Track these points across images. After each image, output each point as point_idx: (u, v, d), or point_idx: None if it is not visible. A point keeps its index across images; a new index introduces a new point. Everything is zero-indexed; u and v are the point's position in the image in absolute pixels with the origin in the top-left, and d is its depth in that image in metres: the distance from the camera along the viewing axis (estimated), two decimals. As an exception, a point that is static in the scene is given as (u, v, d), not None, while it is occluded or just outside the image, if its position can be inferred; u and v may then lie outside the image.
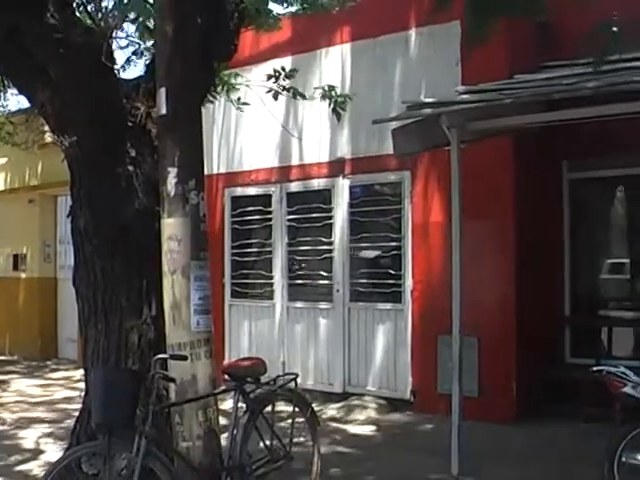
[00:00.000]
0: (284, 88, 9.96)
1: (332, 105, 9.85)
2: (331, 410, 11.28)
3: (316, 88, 9.91)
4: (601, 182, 11.83)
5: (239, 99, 10.70)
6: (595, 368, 7.39)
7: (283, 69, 9.91)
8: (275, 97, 9.99)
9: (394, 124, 8.75)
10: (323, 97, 9.87)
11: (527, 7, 7.06)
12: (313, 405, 7.82)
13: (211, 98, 9.18)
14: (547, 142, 10.34)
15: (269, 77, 9.92)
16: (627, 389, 6.90)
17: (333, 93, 9.82)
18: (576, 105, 7.44)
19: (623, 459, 6.91)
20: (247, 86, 10.55)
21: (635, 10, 9.03)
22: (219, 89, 10.04)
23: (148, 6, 6.57)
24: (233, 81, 10.56)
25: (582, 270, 11.90)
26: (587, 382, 9.55)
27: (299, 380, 7.38)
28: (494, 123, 8.08)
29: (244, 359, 7.44)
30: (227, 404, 7.03)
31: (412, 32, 11.43)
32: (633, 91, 6.87)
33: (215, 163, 13.76)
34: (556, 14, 9.23)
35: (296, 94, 10.04)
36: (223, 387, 7.00)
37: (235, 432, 6.66)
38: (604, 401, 7.59)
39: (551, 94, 7.60)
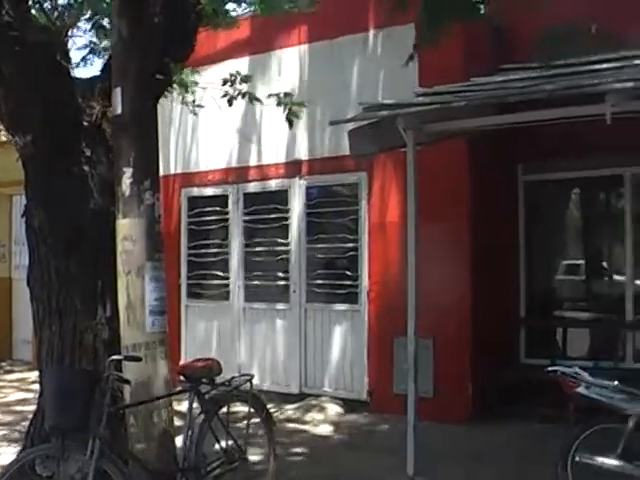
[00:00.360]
0: (240, 93, 9.94)
1: (286, 112, 9.84)
2: (288, 411, 11.28)
3: (271, 95, 9.89)
4: (556, 184, 11.95)
5: (194, 101, 10.66)
6: (549, 369, 7.45)
7: (238, 73, 9.89)
8: (230, 103, 9.97)
9: (351, 125, 8.76)
10: (278, 104, 9.85)
11: (472, 12, 7.16)
12: (269, 406, 7.82)
13: (167, 94, 9.14)
14: (503, 145, 10.40)
15: (225, 82, 9.90)
16: (581, 389, 6.97)
17: (288, 100, 9.80)
18: (531, 108, 7.48)
19: (577, 459, 6.98)
20: (203, 89, 10.51)
21: (586, 15, 9.20)
22: (175, 90, 9.99)
23: (104, 5, 6.55)
24: (190, 79, 10.51)
25: (537, 272, 11.99)
26: (542, 383, 9.60)
27: (255, 381, 7.38)
28: (449, 125, 8.11)
29: (199, 360, 7.39)
30: (183, 405, 6.98)
31: (370, 34, 11.46)
32: (587, 94, 6.92)
33: (172, 163, 13.72)
34: (511, 18, 9.35)
35: (252, 99, 10.04)
36: (178, 388, 6.98)
37: (190, 433, 6.63)
38: (559, 401, 7.66)
39: (506, 97, 7.63)
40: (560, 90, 7.20)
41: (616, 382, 6.96)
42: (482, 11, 7.86)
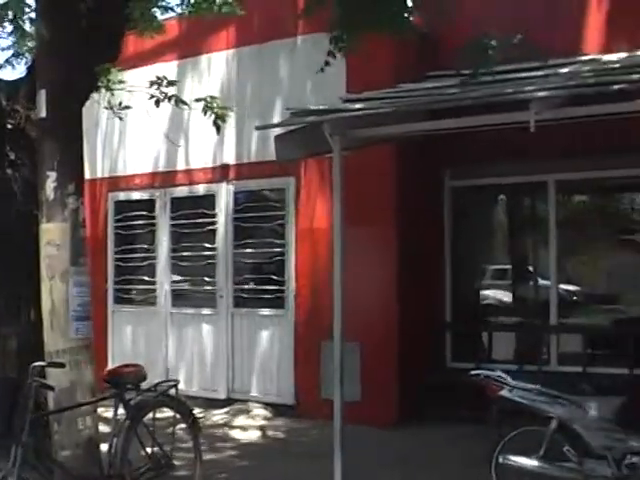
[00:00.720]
0: (166, 96, 9.88)
1: (213, 117, 9.78)
2: (215, 416, 11.26)
3: (197, 100, 9.84)
4: (482, 190, 12.09)
5: (120, 104, 10.56)
6: (473, 372, 7.56)
7: (165, 78, 9.84)
8: (157, 104, 9.90)
9: (279, 130, 8.76)
10: (204, 109, 9.80)
11: (392, 24, 7.22)
12: (197, 411, 7.79)
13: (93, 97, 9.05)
14: (430, 150, 10.51)
15: (152, 83, 9.84)
16: (504, 392, 7.08)
17: (215, 104, 9.75)
18: (457, 115, 7.56)
19: (500, 461, 7.09)
20: (129, 91, 10.41)
21: (510, 24, 9.34)
22: (101, 93, 9.90)
23: (26, 8, 6.47)
24: (116, 79, 10.40)
25: (463, 276, 12.11)
26: (468, 386, 9.71)
27: (183, 386, 7.36)
28: (376, 131, 8.14)
29: (124, 366, 7.34)
30: (110, 412, 6.91)
31: (298, 39, 11.47)
32: (512, 102, 7.02)
33: (99, 167, 13.60)
34: (439, 26, 9.45)
35: (178, 102, 9.98)
36: (102, 394, 6.92)
37: (115, 440, 6.58)
38: (484, 404, 7.74)
39: (432, 104, 7.72)
40: (485, 97, 7.31)
41: (538, 385, 7.09)
42: (407, 20, 7.88)
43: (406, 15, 7.82)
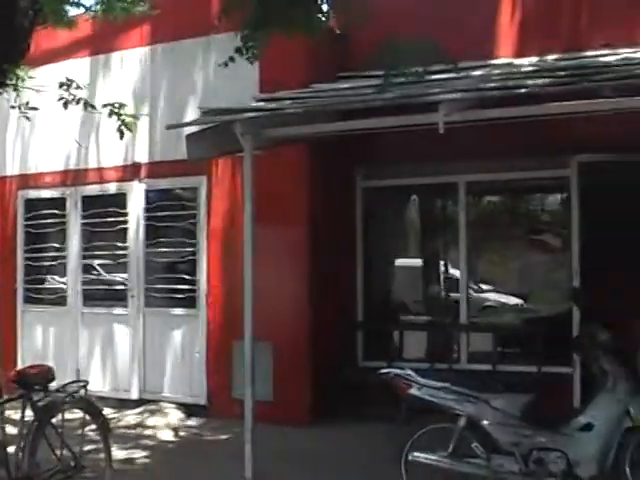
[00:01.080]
0: (74, 98, 9.76)
1: (119, 124, 9.69)
2: (127, 417, 11.14)
3: (105, 105, 9.74)
4: (394, 190, 12.20)
5: (27, 103, 10.39)
6: (383, 370, 7.66)
7: (72, 81, 9.72)
8: (65, 106, 9.77)
9: (192, 129, 8.72)
10: (111, 114, 9.70)
11: (307, 25, 7.26)
12: (109, 412, 7.72)
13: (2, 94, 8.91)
14: (342, 151, 10.57)
15: (61, 85, 9.71)
16: (413, 390, 7.17)
17: (122, 112, 9.66)
18: (369, 116, 7.63)
19: (409, 458, 7.18)
20: (37, 91, 10.25)
21: (423, 27, 9.44)
22: (7, 91, 9.72)
23: None
24: (28, 75, 10.23)
25: (375, 276, 12.20)
26: (379, 384, 9.80)
27: (94, 387, 7.28)
28: (287, 131, 8.17)
29: (32, 366, 7.24)
30: (19, 413, 6.80)
31: (212, 38, 11.40)
32: (422, 104, 7.11)
33: (9, 164, 13.38)
34: (352, 27, 9.49)
35: (87, 105, 9.88)
36: (10, 396, 6.81)
37: (23, 442, 6.49)
38: (395, 403, 7.81)
39: (343, 104, 7.79)
40: (396, 99, 7.39)
41: (447, 383, 7.19)
42: (321, 21, 7.93)
43: (320, 16, 7.87)
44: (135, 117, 9.85)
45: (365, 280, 11.83)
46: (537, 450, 7.05)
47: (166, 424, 10.83)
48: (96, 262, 12.52)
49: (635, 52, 9.12)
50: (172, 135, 10.66)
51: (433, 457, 7.14)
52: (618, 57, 8.69)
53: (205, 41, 11.46)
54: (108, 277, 12.44)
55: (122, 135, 9.76)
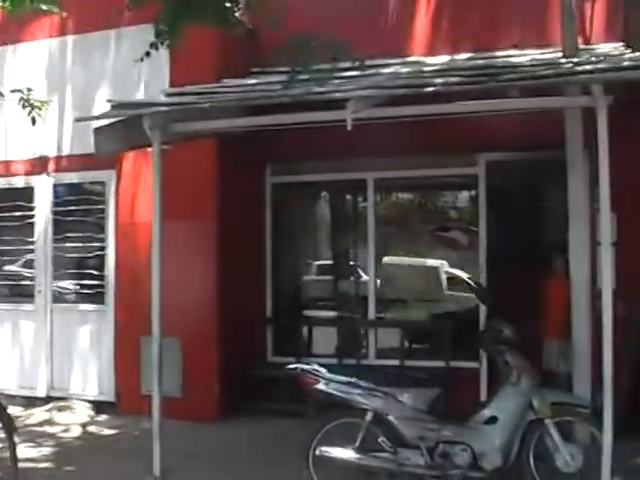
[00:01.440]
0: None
1: (29, 110, 9.52)
2: (35, 414, 10.95)
3: (13, 91, 9.57)
4: (303, 187, 12.23)
5: None
6: (290, 366, 7.67)
7: None
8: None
9: (101, 122, 8.62)
10: (20, 101, 9.53)
11: (218, 17, 7.25)
12: (16, 410, 7.59)
13: None
14: (252, 147, 10.56)
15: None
16: (320, 385, 7.21)
17: (31, 97, 9.49)
18: (278, 111, 7.64)
19: (317, 453, 7.23)
20: None
21: (335, 25, 9.50)
22: None
23: None
24: None
25: (285, 272, 12.24)
26: (288, 380, 9.85)
27: (1, 385, 7.12)
28: (196, 126, 8.14)
29: None
30: None
31: (123, 30, 11.27)
32: (331, 100, 7.13)
33: None
34: (263, 24, 9.48)
35: (-9, 93, 9.70)
36: None
37: None
38: (304, 398, 7.85)
39: (251, 100, 7.78)
40: (304, 95, 7.42)
41: (354, 378, 7.25)
42: (234, 16, 7.92)
43: (233, 11, 7.85)
44: (44, 102, 9.68)
45: (274, 276, 11.87)
46: (443, 443, 7.18)
47: (74, 421, 10.70)
48: (2, 257, 12.26)
49: (543, 53, 9.32)
50: (81, 128, 10.54)
51: (340, 452, 7.20)
52: (526, 58, 8.86)
53: (116, 33, 11.34)
54: (15, 272, 12.20)
55: (34, 122, 9.58)
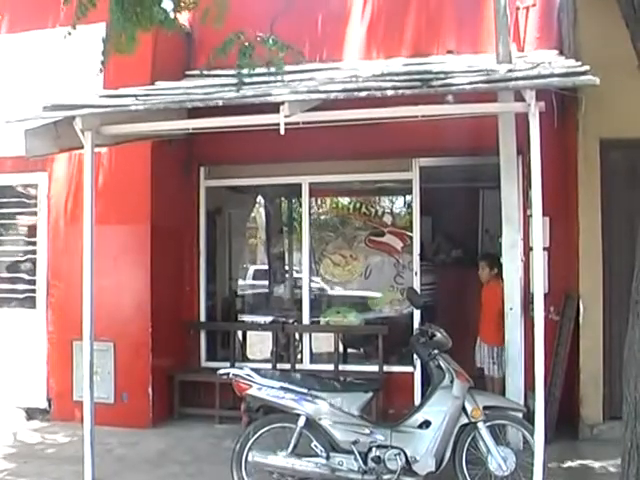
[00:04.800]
0: None
1: None
2: (-37, 422, 10.78)
3: None
4: (238, 190, 12.22)
5: None
6: (222, 371, 7.66)
7: None
8: None
9: (32, 124, 8.49)
10: None
11: (158, 20, 7.22)
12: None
13: None
14: (187, 149, 10.52)
15: None
16: (252, 391, 7.19)
17: None
18: (213, 114, 7.61)
19: (250, 458, 7.20)
20: None
21: (272, 28, 9.51)
22: None
23: None
24: None
25: (219, 276, 12.20)
26: (222, 385, 9.87)
27: None
28: (129, 128, 8.07)
29: None
30: None
31: (58, 30, 11.07)
32: (265, 104, 7.13)
33: None
34: (200, 26, 9.44)
35: None
36: None
37: None
38: (237, 402, 7.81)
39: (184, 102, 7.73)
40: (237, 98, 7.40)
41: (287, 383, 7.23)
42: (172, 19, 7.86)
43: (169, 13, 7.79)
44: None
45: (208, 280, 11.77)
46: (376, 448, 7.19)
47: (4, 428, 10.52)
48: None
49: (478, 59, 9.42)
50: (12, 130, 10.39)
51: (272, 457, 7.19)
52: (461, 64, 8.93)
53: (52, 33, 11.16)
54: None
55: None
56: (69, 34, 7.37)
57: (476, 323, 9.84)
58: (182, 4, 8.14)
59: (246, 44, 7.23)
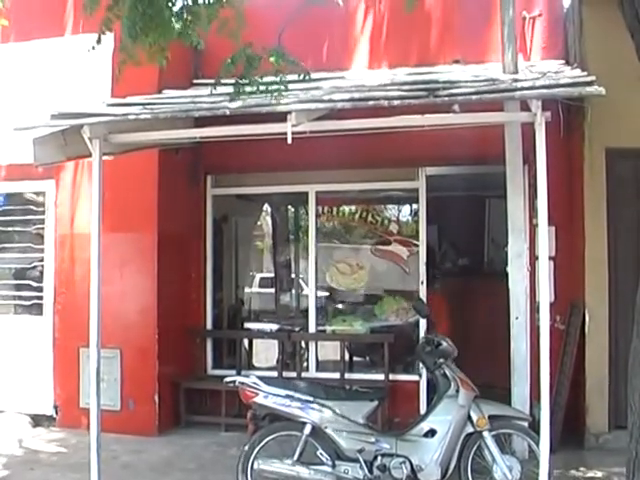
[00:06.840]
0: None
1: None
2: (-31, 429, 10.80)
3: None
4: (245, 199, 12.25)
5: None
6: (229, 379, 7.67)
7: None
8: None
9: (41, 132, 8.52)
10: None
11: (180, 33, 7.24)
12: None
13: None
14: (194, 158, 10.53)
15: None
16: (258, 399, 7.20)
17: None
18: (220, 123, 7.64)
19: (255, 466, 7.22)
20: None
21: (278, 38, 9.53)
22: None
23: None
24: None
25: (226, 284, 12.22)
26: (228, 393, 9.87)
27: None
28: (137, 137, 8.10)
29: None
30: None
31: (67, 39, 11.15)
32: (272, 113, 7.16)
33: None
34: (208, 35, 9.46)
35: None
36: None
37: None
38: (244, 411, 7.83)
39: (192, 112, 7.77)
40: (245, 108, 7.42)
41: (293, 391, 7.25)
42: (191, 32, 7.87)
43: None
44: None
45: (215, 288, 11.79)
46: (381, 456, 7.20)
47: (11, 436, 10.54)
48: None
49: (484, 69, 9.43)
50: (21, 138, 10.43)
51: (278, 465, 7.20)
52: (467, 73, 8.95)
53: (61, 42, 11.22)
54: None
55: None
56: (93, 48, 7.35)
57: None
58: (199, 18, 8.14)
59: (253, 55, 7.20)
